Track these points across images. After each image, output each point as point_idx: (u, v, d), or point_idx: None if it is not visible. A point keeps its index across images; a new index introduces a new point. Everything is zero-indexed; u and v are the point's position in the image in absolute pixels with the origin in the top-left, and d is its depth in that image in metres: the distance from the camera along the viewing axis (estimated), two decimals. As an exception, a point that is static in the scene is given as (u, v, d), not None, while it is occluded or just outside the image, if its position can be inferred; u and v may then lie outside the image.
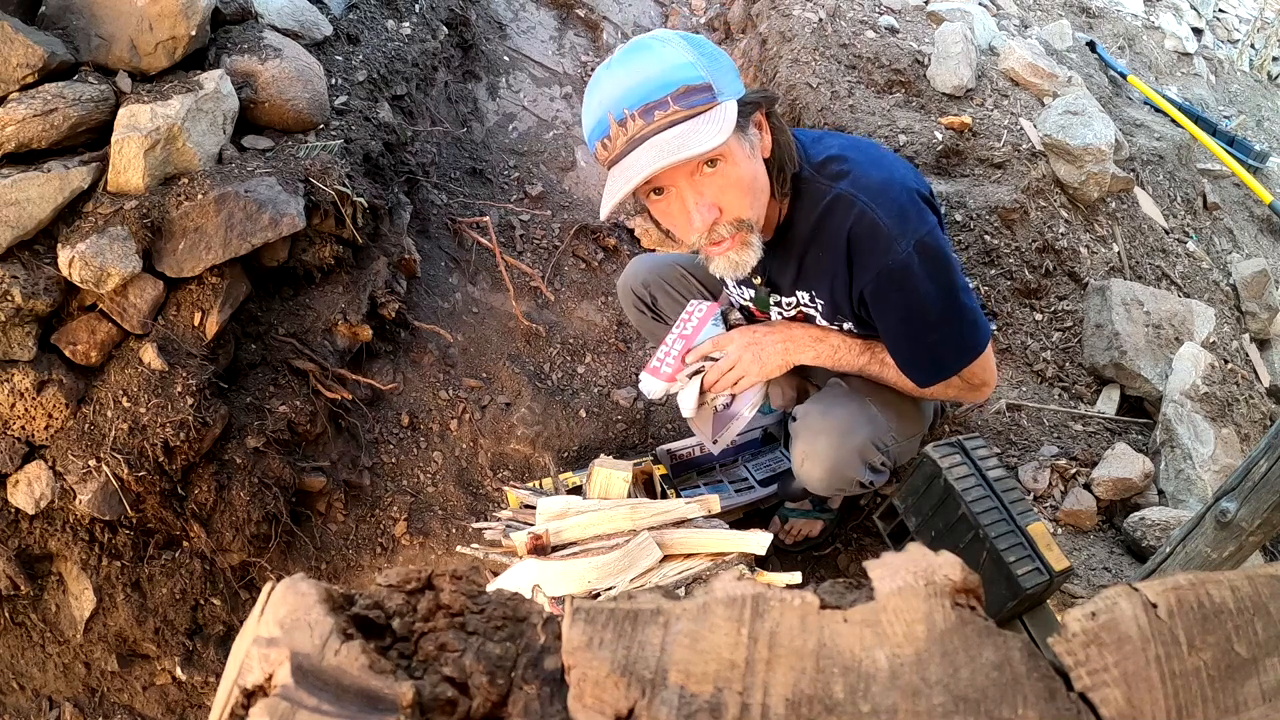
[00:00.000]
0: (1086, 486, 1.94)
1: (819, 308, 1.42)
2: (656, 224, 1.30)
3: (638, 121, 1.12)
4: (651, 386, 1.44)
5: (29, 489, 1.67)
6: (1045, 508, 1.92)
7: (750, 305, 1.53)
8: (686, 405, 1.44)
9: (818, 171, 1.29)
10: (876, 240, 1.24)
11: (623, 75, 1.13)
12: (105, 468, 1.66)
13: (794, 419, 1.49)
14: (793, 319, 1.48)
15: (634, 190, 1.14)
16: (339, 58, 2.24)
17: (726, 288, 1.58)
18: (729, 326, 1.50)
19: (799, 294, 1.42)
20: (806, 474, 1.46)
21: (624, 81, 1.13)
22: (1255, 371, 2.52)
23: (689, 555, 1.31)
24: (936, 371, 1.36)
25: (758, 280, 1.45)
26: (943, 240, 1.28)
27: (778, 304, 1.47)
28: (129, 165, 1.66)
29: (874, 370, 1.42)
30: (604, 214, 1.17)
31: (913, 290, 1.26)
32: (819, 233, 1.30)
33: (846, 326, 1.44)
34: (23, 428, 1.66)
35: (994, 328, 2.32)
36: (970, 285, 1.36)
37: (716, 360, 1.43)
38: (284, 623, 0.41)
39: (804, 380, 1.68)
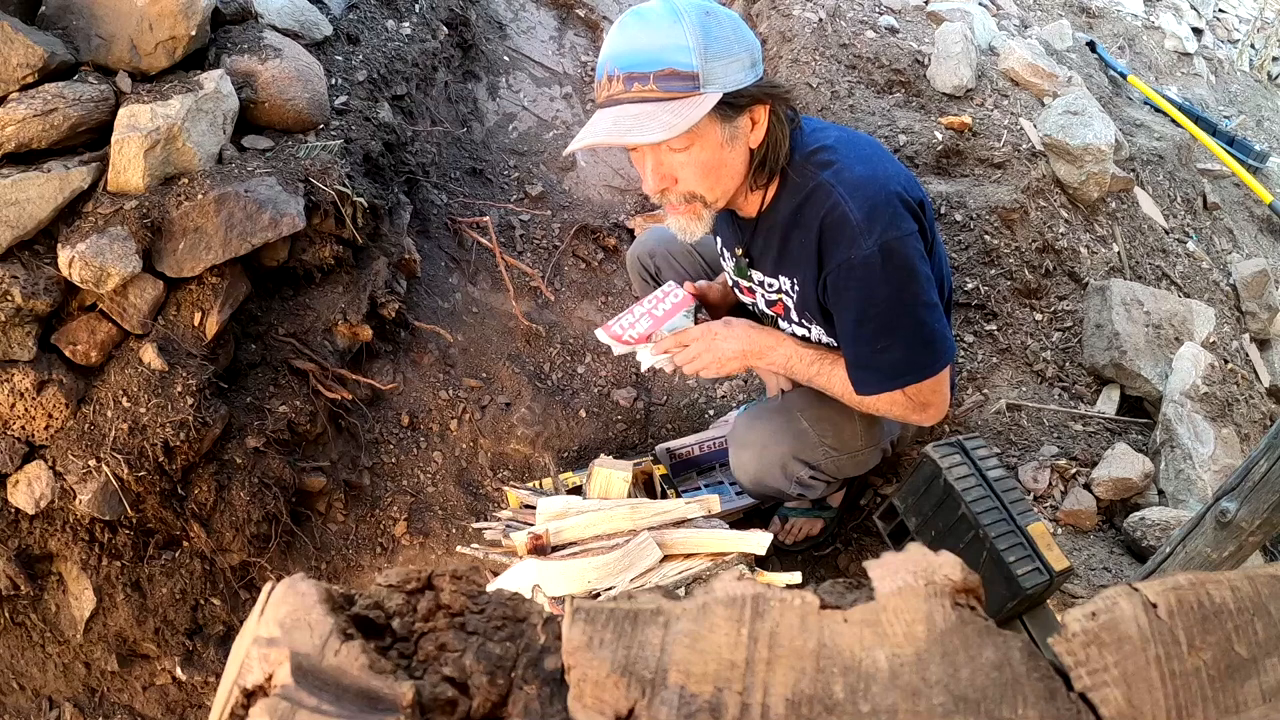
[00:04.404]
0: (1086, 486, 1.93)
1: (794, 298, 1.43)
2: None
3: (619, 84, 1.18)
4: (609, 344, 1.53)
5: (29, 489, 1.67)
6: (1045, 508, 1.92)
7: (733, 277, 1.57)
8: (645, 362, 1.54)
9: (806, 159, 1.30)
10: (843, 231, 1.24)
11: (628, 35, 1.19)
12: (105, 468, 1.66)
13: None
14: (772, 303, 1.49)
15: (587, 146, 1.23)
16: (339, 58, 2.24)
17: (724, 262, 1.61)
18: (698, 323, 1.54)
19: (782, 278, 1.43)
20: (739, 479, 1.55)
21: (626, 42, 1.19)
22: (1255, 371, 2.52)
23: (689, 555, 1.31)
24: (879, 382, 1.34)
25: (739, 251, 1.48)
26: (912, 249, 1.26)
27: (762, 283, 1.49)
28: (129, 165, 1.66)
29: (821, 382, 1.43)
30: (565, 153, 1.32)
31: (869, 289, 1.26)
32: (799, 218, 1.32)
33: (815, 330, 1.44)
34: (23, 428, 1.66)
35: (993, 328, 2.32)
36: (939, 304, 1.32)
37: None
38: (284, 623, 0.42)
39: None
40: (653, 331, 1.48)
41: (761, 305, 1.55)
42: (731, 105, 1.19)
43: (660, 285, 1.80)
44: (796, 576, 1.26)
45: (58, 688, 1.85)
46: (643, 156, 1.26)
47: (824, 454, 1.48)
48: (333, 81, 2.14)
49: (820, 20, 2.89)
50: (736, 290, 1.60)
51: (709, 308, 1.64)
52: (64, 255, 1.59)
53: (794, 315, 1.46)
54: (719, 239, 1.59)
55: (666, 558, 1.29)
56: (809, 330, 1.46)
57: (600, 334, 1.51)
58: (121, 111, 1.68)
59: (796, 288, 1.41)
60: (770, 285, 1.47)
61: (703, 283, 1.65)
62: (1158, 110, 3.29)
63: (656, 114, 1.15)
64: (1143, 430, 2.16)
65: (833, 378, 1.40)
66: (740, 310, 1.64)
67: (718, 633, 0.40)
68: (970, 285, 2.35)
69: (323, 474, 1.95)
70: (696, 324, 1.52)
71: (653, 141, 1.15)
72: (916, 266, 1.26)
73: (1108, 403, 2.20)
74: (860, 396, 1.37)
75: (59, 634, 1.81)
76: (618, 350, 1.51)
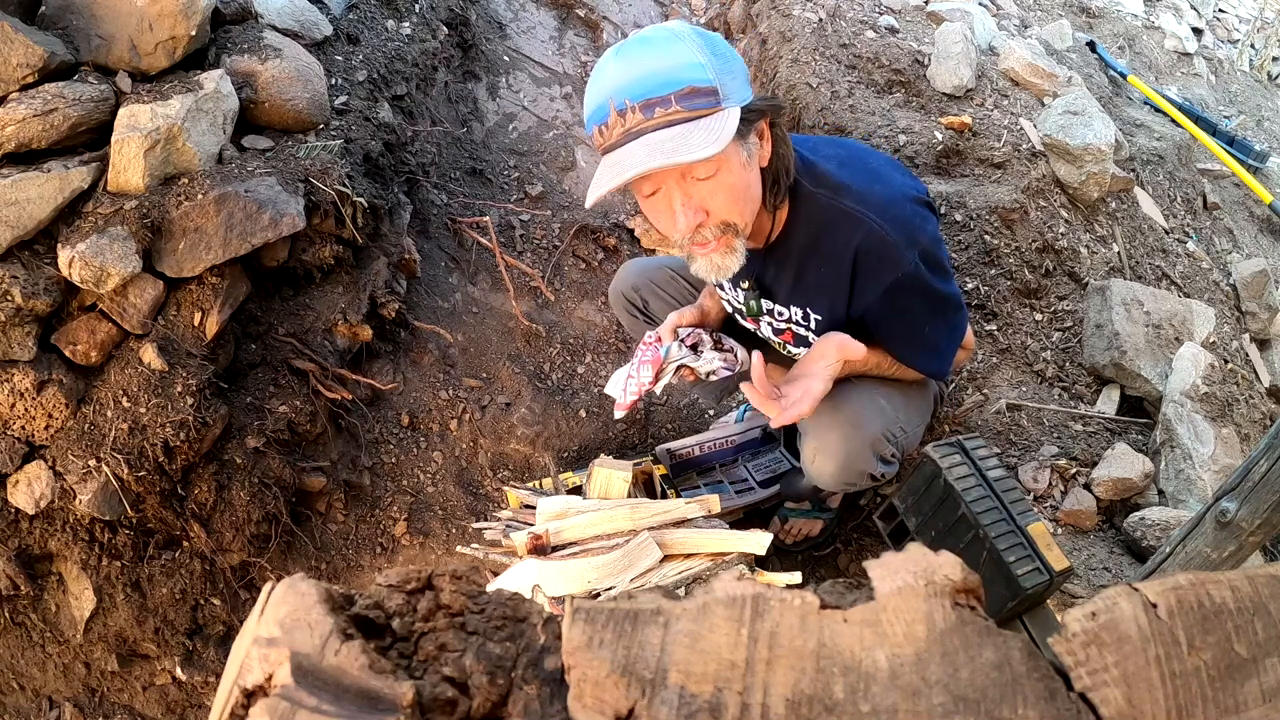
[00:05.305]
0: (1086, 486, 1.93)
1: (813, 325, 1.42)
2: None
3: (637, 115, 1.09)
4: (620, 412, 1.46)
5: (29, 489, 1.67)
6: (1045, 508, 1.92)
7: (740, 308, 1.53)
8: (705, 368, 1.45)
9: (816, 185, 1.29)
10: (884, 256, 1.25)
11: (630, 64, 1.10)
12: (105, 468, 1.66)
13: None
14: (780, 331, 1.48)
15: (623, 185, 1.13)
16: (339, 58, 2.24)
17: (724, 292, 1.57)
18: (693, 348, 1.47)
19: (793, 309, 1.42)
20: (818, 469, 1.44)
21: (630, 71, 1.10)
22: (1255, 371, 2.52)
23: (689, 555, 1.31)
24: (949, 361, 1.45)
25: (745, 284, 1.45)
26: (939, 243, 1.33)
27: (769, 311, 1.47)
28: (129, 165, 1.66)
29: (896, 373, 1.45)
30: (589, 203, 1.17)
31: (922, 298, 1.31)
32: (820, 247, 1.30)
33: None
34: (23, 428, 1.66)
35: (993, 328, 2.32)
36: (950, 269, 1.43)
37: (692, 365, 1.42)
38: (284, 623, 0.42)
39: None
40: (648, 386, 1.41)
41: (767, 332, 1.53)
42: (745, 121, 1.14)
43: (647, 317, 1.78)
44: (796, 576, 1.26)
45: (58, 688, 1.85)
46: (667, 196, 1.17)
47: (900, 429, 1.46)
48: (333, 81, 2.14)
49: (820, 20, 2.89)
50: (739, 318, 1.57)
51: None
52: (64, 255, 1.59)
53: (814, 341, 1.44)
54: None
55: (666, 558, 1.29)
56: None
57: (618, 413, 1.47)
58: (121, 111, 1.68)
59: (815, 317, 1.40)
60: (780, 315, 1.45)
61: (689, 311, 1.53)
62: (1158, 110, 3.29)
63: (691, 133, 1.08)
64: (1143, 430, 2.16)
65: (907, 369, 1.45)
66: (731, 325, 1.61)
67: (718, 633, 0.40)
68: (970, 285, 2.35)
69: (323, 474, 1.95)
70: (692, 345, 1.44)
71: (706, 156, 1.07)
72: (942, 256, 1.34)
73: (1108, 403, 2.20)
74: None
75: (59, 634, 1.81)
76: (621, 414, 1.46)
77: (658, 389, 1.42)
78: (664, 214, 1.20)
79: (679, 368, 1.41)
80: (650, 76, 1.09)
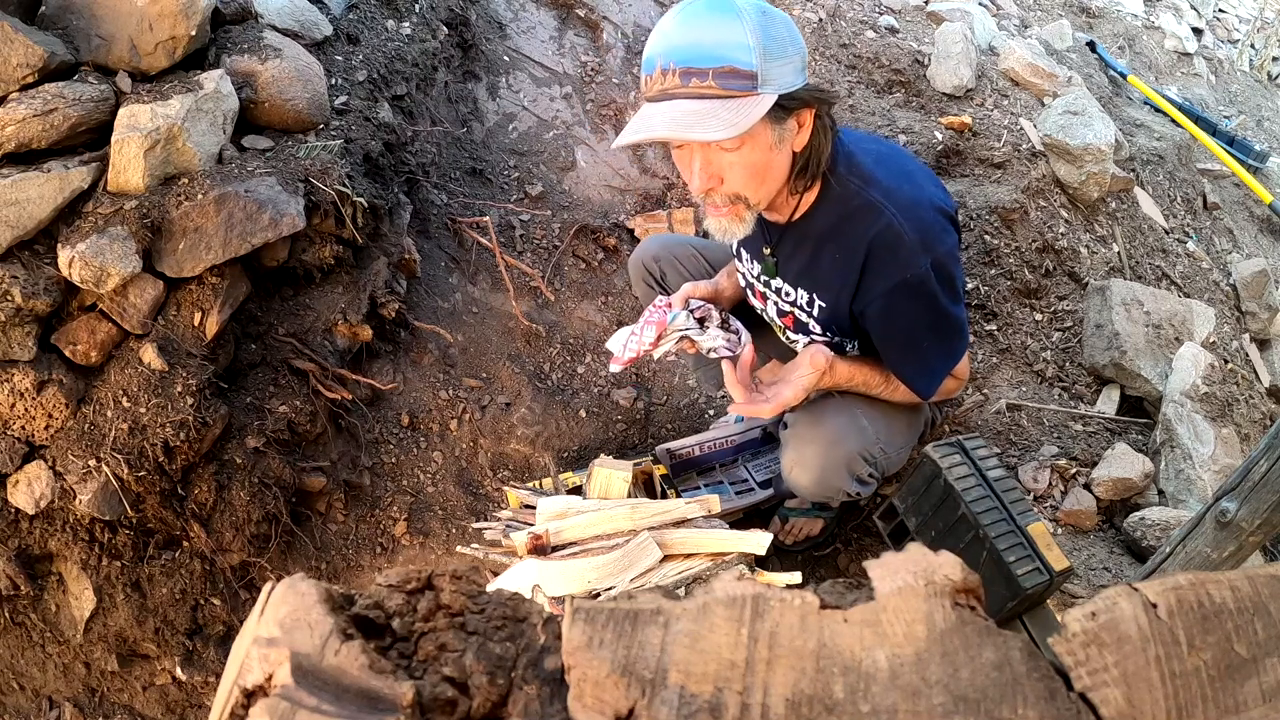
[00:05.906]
0: (1086, 486, 1.94)
1: (816, 313, 1.42)
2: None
3: (675, 79, 1.15)
4: (616, 366, 1.50)
5: (29, 489, 1.67)
6: (1045, 508, 1.92)
7: (756, 279, 1.54)
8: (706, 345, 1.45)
9: (849, 172, 1.31)
10: (897, 252, 1.26)
11: (685, 29, 1.15)
12: (105, 468, 1.66)
13: (785, 426, 1.51)
14: (784, 313, 1.49)
15: (643, 141, 1.20)
16: (339, 58, 2.24)
17: (742, 262, 1.58)
18: (700, 321, 1.49)
19: (800, 291, 1.43)
20: (794, 481, 1.50)
21: (682, 36, 1.15)
22: (1255, 371, 2.52)
23: (689, 555, 1.31)
24: (939, 380, 1.42)
25: (767, 251, 1.46)
26: (954, 260, 1.33)
27: (779, 291, 1.48)
28: (129, 165, 1.66)
29: (885, 394, 1.45)
30: (614, 146, 1.24)
31: (923, 306, 1.31)
32: (839, 233, 1.32)
33: (849, 348, 1.46)
34: (23, 428, 1.66)
35: (993, 328, 2.32)
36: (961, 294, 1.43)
37: (695, 338, 1.44)
38: (284, 623, 0.42)
39: None
40: (648, 348, 1.44)
41: (771, 313, 1.54)
42: (783, 107, 1.18)
43: (663, 289, 1.79)
44: (796, 576, 1.26)
45: (58, 688, 1.85)
46: (689, 155, 1.23)
47: (879, 450, 1.48)
48: (333, 81, 2.14)
49: (820, 20, 2.89)
50: (749, 292, 1.59)
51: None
52: (64, 255, 1.59)
53: (814, 329, 1.45)
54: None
55: (666, 558, 1.29)
56: (833, 341, 1.46)
57: (614, 367, 1.49)
58: (121, 111, 1.68)
59: (819, 303, 1.41)
60: (787, 295, 1.46)
61: (704, 284, 1.58)
62: (1158, 110, 3.29)
63: (717, 111, 1.13)
64: (1143, 430, 2.16)
65: (897, 388, 1.43)
66: (741, 310, 1.63)
67: (718, 633, 0.40)
68: (970, 285, 2.35)
69: (323, 474, 1.95)
70: (701, 322, 1.46)
71: (717, 139, 1.13)
72: (955, 274, 1.34)
73: (1108, 403, 2.20)
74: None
75: (59, 634, 1.81)
76: (616, 369, 1.49)
77: (657, 353, 1.44)
78: (685, 169, 1.27)
79: (681, 337, 1.43)
80: (697, 47, 1.14)
